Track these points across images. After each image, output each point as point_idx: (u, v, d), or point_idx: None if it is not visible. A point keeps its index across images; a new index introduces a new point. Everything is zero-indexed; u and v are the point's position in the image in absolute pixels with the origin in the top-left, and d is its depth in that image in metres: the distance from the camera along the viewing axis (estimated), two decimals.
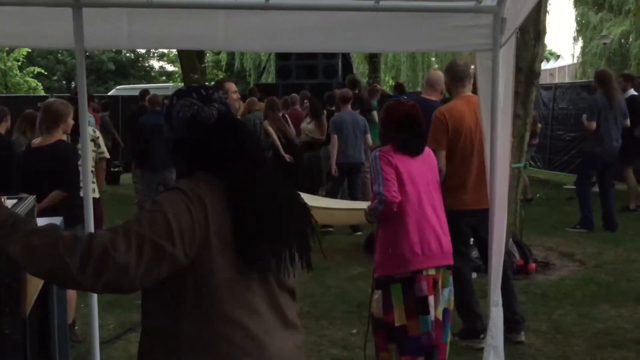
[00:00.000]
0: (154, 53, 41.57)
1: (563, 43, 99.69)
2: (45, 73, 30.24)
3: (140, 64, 41.99)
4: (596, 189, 8.83)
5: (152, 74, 42.37)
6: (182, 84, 18.05)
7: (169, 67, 42.07)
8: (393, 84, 18.47)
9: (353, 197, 8.78)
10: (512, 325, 4.48)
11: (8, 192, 3.28)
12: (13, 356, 2.42)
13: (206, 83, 15.75)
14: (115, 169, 14.28)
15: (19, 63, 25.92)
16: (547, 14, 7.35)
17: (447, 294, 3.61)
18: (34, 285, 2.75)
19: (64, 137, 5.13)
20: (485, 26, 3.38)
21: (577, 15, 25.96)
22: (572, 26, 35.25)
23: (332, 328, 5.15)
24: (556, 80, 27.05)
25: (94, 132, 6.03)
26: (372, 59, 19.48)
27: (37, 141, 5.03)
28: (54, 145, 4.88)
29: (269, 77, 21.10)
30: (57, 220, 3.45)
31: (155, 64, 43.55)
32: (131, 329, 5.01)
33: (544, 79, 22.68)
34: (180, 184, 1.86)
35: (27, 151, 5.07)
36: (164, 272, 1.73)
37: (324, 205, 7.49)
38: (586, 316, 5.27)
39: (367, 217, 3.72)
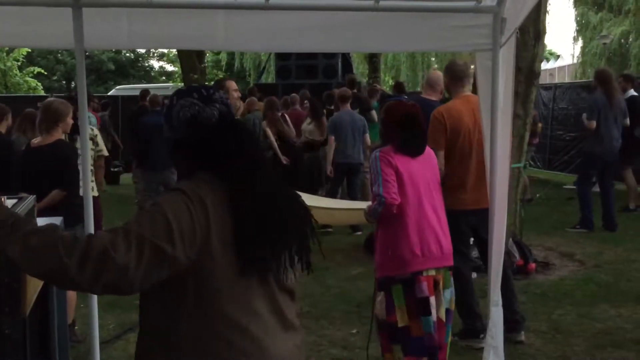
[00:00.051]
0: (153, 53, 41.58)
1: (563, 43, 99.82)
2: (45, 73, 30.25)
3: (140, 64, 41.98)
4: (596, 188, 8.83)
5: (152, 74, 42.36)
6: (182, 84, 18.04)
7: (169, 67, 42.09)
8: (392, 83, 18.47)
9: (352, 197, 8.78)
10: (512, 325, 4.48)
11: (8, 191, 3.28)
12: (13, 356, 2.42)
13: (206, 83, 15.74)
14: (115, 169, 14.28)
15: (19, 63, 25.92)
16: (547, 14, 7.36)
17: (449, 295, 3.61)
18: (34, 285, 2.75)
19: (63, 137, 5.13)
20: (485, 26, 3.37)
21: (577, 15, 25.99)
22: (572, 26, 35.31)
23: (332, 328, 5.15)
24: (556, 80, 27.05)
25: (92, 130, 6.03)
26: (372, 59, 19.49)
27: (36, 141, 5.04)
28: (53, 144, 4.88)
29: (269, 77, 21.10)
30: (57, 219, 3.45)
31: (155, 64, 43.63)
32: (131, 329, 5.01)
33: (544, 79, 22.67)
34: (181, 185, 1.85)
35: (27, 151, 5.07)
36: (164, 274, 1.73)
37: (324, 205, 7.49)
38: (586, 316, 5.27)
39: (366, 217, 3.72)
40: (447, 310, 3.59)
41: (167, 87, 21.34)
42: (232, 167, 1.86)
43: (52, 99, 5.69)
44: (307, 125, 9.84)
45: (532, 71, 6.58)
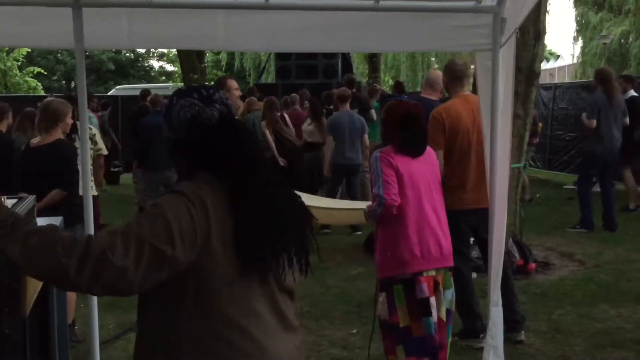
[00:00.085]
0: (153, 53, 41.59)
1: (563, 43, 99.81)
2: (45, 73, 30.24)
3: (140, 64, 41.99)
4: (597, 188, 8.83)
5: (152, 73, 42.38)
6: (182, 84, 18.04)
7: (169, 67, 42.09)
8: (392, 83, 18.46)
9: (352, 197, 8.78)
10: (512, 324, 4.48)
11: (8, 191, 3.28)
12: (13, 356, 2.42)
13: (206, 83, 15.74)
14: (115, 169, 14.28)
15: (19, 63, 25.91)
16: (547, 14, 7.36)
17: (450, 296, 3.61)
18: (34, 285, 2.75)
19: (62, 137, 5.12)
20: (485, 26, 3.37)
21: (577, 15, 26.01)
22: (572, 26, 35.32)
23: (332, 328, 5.15)
24: (556, 80, 27.06)
25: (90, 129, 6.02)
26: (372, 59, 19.49)
27: (36, 141, 5.03)
28: (53, 144, 4.87)
29: (269, 77, 21.09)
30: (57, 219, 3.45)
31: (155, 63, 43.64)
32: (131, 329, 5.00)
33: (544, 79, 22.68)
34: (182, 186, 1.85)
35: (27, 150, 5.06)
36: (164, 275, 1.73)
37: (324, 205, 7.49)
38: (586, 316, 5.27)
39: (366, 217, 3.72)
40: (448, 311, 3.59)
41: (167, 87, 21.33)
42: (232, 168, 1.86)
43: (51, 98, 5.67)
44: (308, 126, 9.82)
45: (532, 71, 6.58)
